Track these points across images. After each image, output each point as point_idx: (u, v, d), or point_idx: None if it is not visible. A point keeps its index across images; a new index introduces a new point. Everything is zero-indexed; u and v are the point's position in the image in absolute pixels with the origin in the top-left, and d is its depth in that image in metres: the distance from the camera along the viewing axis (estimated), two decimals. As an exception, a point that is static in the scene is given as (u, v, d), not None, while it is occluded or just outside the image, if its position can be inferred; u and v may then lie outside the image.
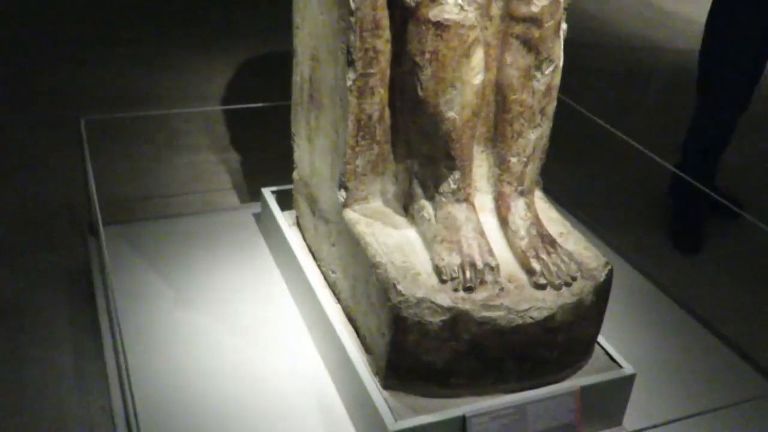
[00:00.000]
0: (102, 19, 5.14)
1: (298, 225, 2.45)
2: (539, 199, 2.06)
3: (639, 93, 4.76)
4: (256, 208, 2.79)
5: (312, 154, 2.23)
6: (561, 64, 1.88)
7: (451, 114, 1.76)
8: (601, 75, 4.86)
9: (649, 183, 3.42)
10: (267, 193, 2.61)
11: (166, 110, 3.66)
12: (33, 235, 2.80)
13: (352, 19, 1.80)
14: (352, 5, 1.79)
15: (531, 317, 1.72)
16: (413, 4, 1.70)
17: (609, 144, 3.18)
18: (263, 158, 3.31)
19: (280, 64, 4.20)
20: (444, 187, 1.85)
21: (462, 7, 1.70)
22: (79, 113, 3.65)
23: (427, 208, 1.89)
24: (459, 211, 1.85)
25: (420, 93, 1.76)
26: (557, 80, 1.89)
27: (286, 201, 2.55)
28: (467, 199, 1.86)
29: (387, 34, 1.83)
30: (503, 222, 1.91)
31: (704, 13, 3.01)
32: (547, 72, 1.85)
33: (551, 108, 1.91)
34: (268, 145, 3.29)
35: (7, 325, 2.35)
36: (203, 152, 3.46)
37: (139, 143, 3.49)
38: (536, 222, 1.90)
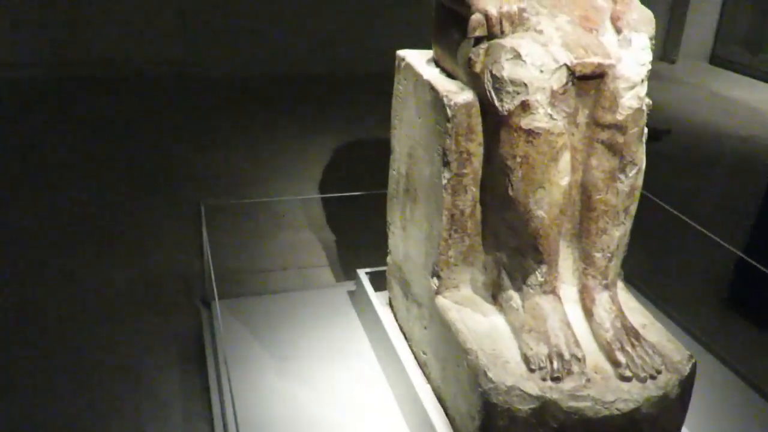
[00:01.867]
0: (214, 107, 5.38)
1: (391, 306, 2.46)
2: (621, 289, 2.01)
3: (707, 178, 4.64)
4: (350, 286, 2.82)
5: (406, 242, 2.25)
6: (644, 166, 1.85)
7: (539, 212, 1.76)
8: (669, 161, 4.77)
9: (718, 266, 3.30)
10: (362, 273, 2.63)
11: (272, 195, 3.78)
12: (150, 302, 2.89)
13: (449, 125, 1.83)
14: (449, 112, 1.83)
15: (617, 409, 1.66)
16: (506, 113, 1.72)
17: (679, 229, 3.09)
18: (357, 239, 3.36)
19: (372, 148, 4.29)
20: (531, 279, 1.83)
21: (551, 116, 1.71)
22: (197, 193, 3.80)
23: (515, 298, 1.86)
24: (546, 302, 1.82)
25: (510, 192, 1.76)
26: (640, 181, 1.87)
27: (379, 282, 2.57)
28: (553, 291, 1.84)
29: (480, 138, 1.86)
30: (588, 314, 1.87)
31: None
32: (630, 174, 1.83)
33: (634, 207, 1.89)
34: (362, 227, 3.33)
35: (124, 383, 2.42)
36: (303, 231, 3.53)
37: (245, 221, 3.58)
38: (620, 314, 1.85)
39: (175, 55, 5.86)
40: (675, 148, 5.07)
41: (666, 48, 7.70)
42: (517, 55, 1.71)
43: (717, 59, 7.87)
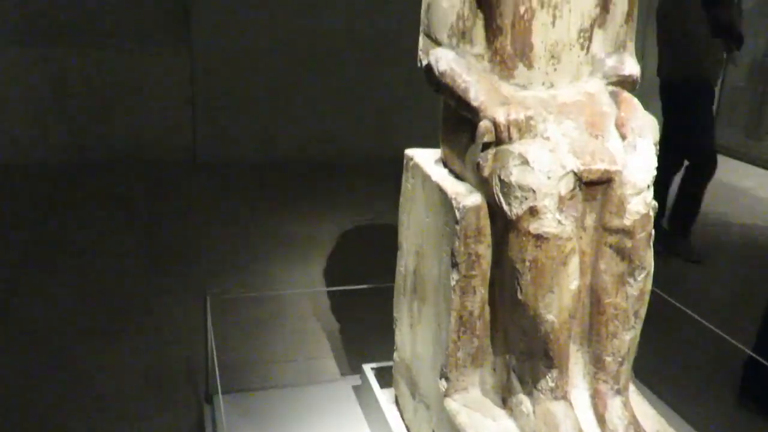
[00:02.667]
0: (223, 194, 5.45)
1: (397, 403, 2.41)
2: (633, 392, 1.97)
3: (712, 269, 4.62)
4: (356, 380, 2.77)
5: (414, 340, 2.23)
6: (652, 270, 1.85)
7: (549, 317, 1.75)
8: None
9: (729, 362, 3.25)
10: (368, 369, 2.60)
11: (277, 286, 3.78)
12: (154, 396, 2.84)
13: (457, 227, 1.85)
14: (458, 215, 1.84)
15: None
16: (514, 218, 1.73)
17: (687, 323, 3.07)
18: (363, 331, 3.33)
19: (380, 237, 4.30)
20: (542, 384, 1.80)
21: (560, 221, 1.72)
22: (203, 280, 3.79)
23: (525, 402, 1.83)
24: (557, 408, 1.79)
25: (520, 296, 1.76)
26: (649, 285, 1.86)
27: (385, 377, 2.53)
28: (565, 397, 1.81)
29: (489, 240, 1.87)
30: (600, 420, 1.83)
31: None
32: (639, 278, 1.83)
33: (644, 311, 1.88)
34: (368, 319, 3.31)
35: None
36: (308, 321, 3.51)
37: (251, 310, 3.56)
38: (633, 421, 1.81)
39: (185, 142, 5.99)
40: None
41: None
42: (525, 161, 1.74)
43: (718, 147, 7.98)
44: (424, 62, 2.06)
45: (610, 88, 2.04)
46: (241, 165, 5.97)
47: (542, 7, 1.95)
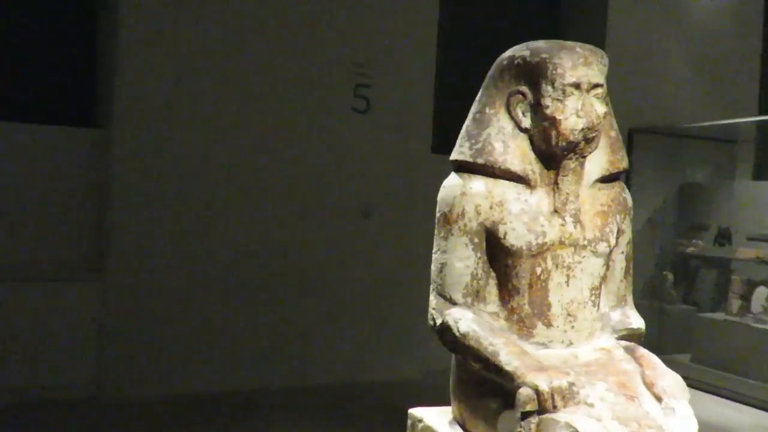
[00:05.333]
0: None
1: None
2: None
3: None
4: None
5: None
6: None
7: None
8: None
9: None
10: None
11: None
12: None
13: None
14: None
15: None
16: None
17: None
18: None
19: None
20: None
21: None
22: None
23: None
24: None
25: None
26: None
27: None
28: None
29: None
30: None
31: None
32: None
33: None
34: None
35: None
36: None
37: None
38: None
39: (86, 375, 5.44)
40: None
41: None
42: (575, 431, 1.67)
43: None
44: (438, 321, 2.02)
45: (623, 342, 2.06)
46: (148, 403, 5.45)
47: (557, 267, 1.99)
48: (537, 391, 1.74)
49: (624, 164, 2.12)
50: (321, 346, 5.68)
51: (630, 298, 2.18)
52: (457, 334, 1.94)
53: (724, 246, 6.24)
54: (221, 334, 5.49)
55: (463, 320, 1.95)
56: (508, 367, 1.82)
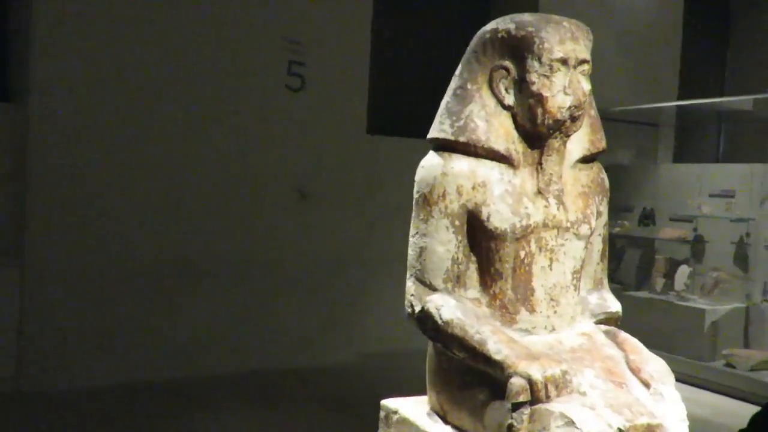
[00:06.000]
0: None
1: None
2: None
3: None
4: None
5: None
6: None
7: None
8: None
9: None
10: None
11: None
12: None
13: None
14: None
15: None
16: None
17: None
18: None
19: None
20: None
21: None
22: None
23: None
24: None
25: None
26: None
27: None
28: None
29: None
30: None
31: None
32: None
33: None
34: None
35: None
36: None
37: None
38: None
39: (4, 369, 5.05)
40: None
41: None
42: (570, 422, 1.60)
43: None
44: (417, 309, 1.91)
45: (603, 327, 2.02)
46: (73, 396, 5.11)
47: (540, 251, 1.92)
48: (530, 381, 1.66)
49: (603, 144, 2.07)
50: (255, 330, 5.49)
51: (606, 281, 2.13)
52: (440, 321, 1.84)
53: (648, 226, 6.43)
54: (152, 321, 5.19)
55: (445, 307, 1.85)
56: (497, 357, 1.73)
